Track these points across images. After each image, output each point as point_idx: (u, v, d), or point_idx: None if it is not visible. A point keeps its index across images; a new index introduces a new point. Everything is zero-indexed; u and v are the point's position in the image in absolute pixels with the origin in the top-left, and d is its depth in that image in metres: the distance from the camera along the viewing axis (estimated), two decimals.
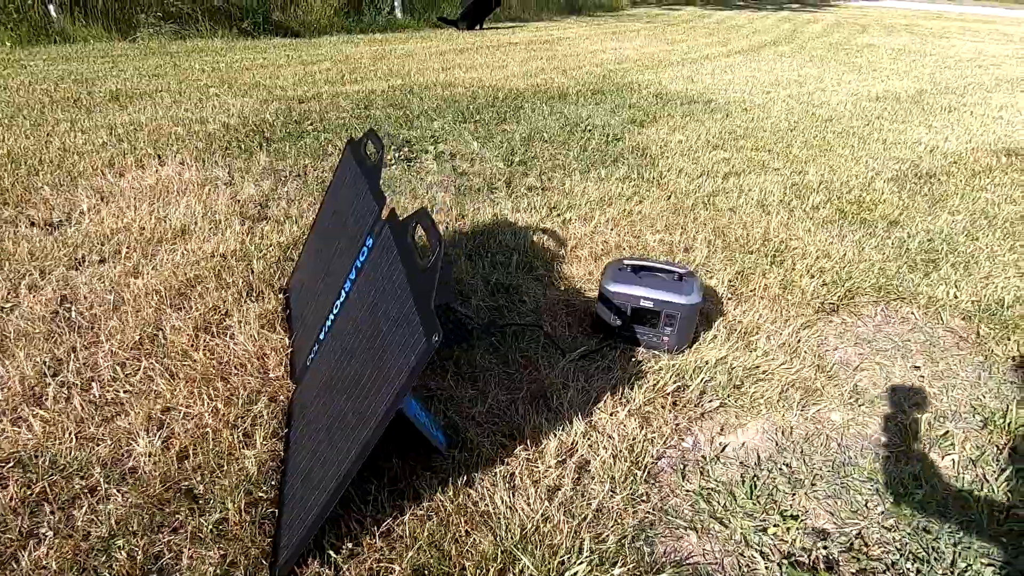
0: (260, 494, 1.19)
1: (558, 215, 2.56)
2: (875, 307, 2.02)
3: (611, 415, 1.46)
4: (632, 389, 1.54)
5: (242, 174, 2.84)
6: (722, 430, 1.47)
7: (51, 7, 6.76)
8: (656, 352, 1.71)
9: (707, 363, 1.66)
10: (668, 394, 1.54)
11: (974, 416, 1.55)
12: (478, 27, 8.75)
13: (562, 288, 2.04)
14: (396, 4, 9.01)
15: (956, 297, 2.06)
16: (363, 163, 1.60)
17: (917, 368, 1.73)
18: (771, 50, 7.75)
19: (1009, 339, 1.86)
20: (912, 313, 1.99)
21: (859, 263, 2.26)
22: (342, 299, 1.42)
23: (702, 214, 2.62)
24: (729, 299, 2.00)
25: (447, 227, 2.41)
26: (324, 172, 2.93)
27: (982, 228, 2.61)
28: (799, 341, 1.80)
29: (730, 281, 2.09)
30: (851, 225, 2.59)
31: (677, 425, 1.46)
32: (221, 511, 1.13)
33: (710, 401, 1.54)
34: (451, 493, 1.20)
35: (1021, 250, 2.42)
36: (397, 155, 3.23)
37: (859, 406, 1.56)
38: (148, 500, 1.16)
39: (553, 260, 2.20)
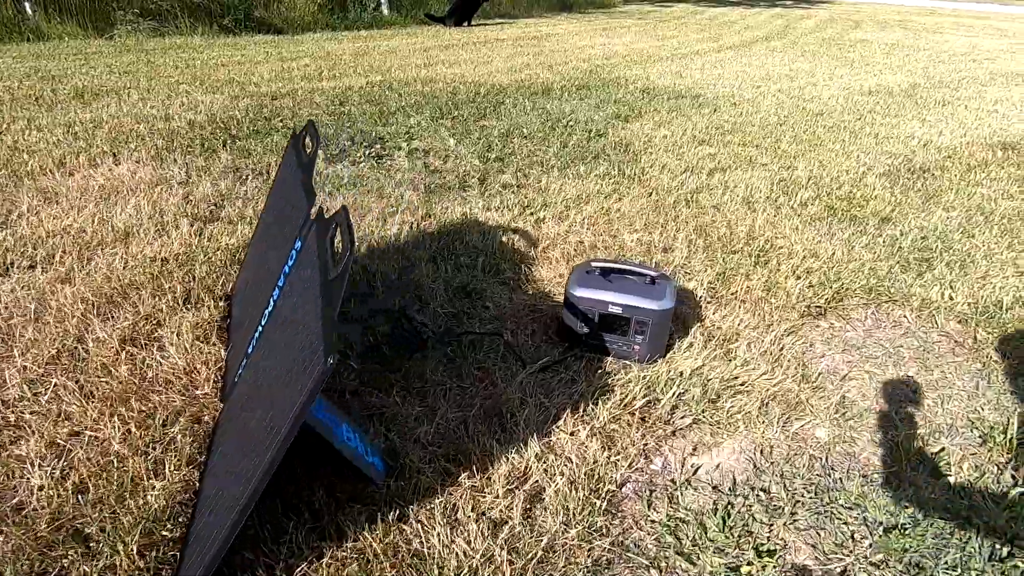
0: (163, 533, 1.04)
1: (531, 214, 2.41)
2: (865, 310, 1.88)
3: (571, 435, 1.32)
4: (596, 405, 1.40)
5: (200, 173, 2.68)
6: (695, 450, 1.33)
7: (27, 4, 6.59)
8: (626, 362, 1.57)
9: (681, 374, 1.52)
10: (636, 410, 1.39)
11: (972, 431, 1.41)
12: (466, 24, 8.60)
13: (530, 292, 1.89)
14: (383, 1, 8.85)
15: (951, 299, 1.93)
16: (300, 157, 1.46)
17: (910, 377, 1.60)
18: (763, 45, 7.61)
19: (1009, 344, 1.72)
20: (904, 316, 1.86)
21: (848, 263, 2.12)
22: (270, 308, 1.27)
23: (684, 212, 2.48)
24: (708, 303, 1.85)
25: (412, 227, 2.26)
26: None
27: (978, 225, 2.48)
28: (782, 348, 1.66)
29: (710, 283, 1.95)
30: (840, 222, 2.45)
31: (645, 445, 1.32)
32: (111, 556, 0.99)
33: (682, 417, 1.40)
34: (380, 531, 1.06)
35: (1019, 247, 2.29)
36: (368, 152, 3.08)
37: (846, 421, 1.43)
38: (31, 543, 1.01)
39: (522, 262, 2.06)
